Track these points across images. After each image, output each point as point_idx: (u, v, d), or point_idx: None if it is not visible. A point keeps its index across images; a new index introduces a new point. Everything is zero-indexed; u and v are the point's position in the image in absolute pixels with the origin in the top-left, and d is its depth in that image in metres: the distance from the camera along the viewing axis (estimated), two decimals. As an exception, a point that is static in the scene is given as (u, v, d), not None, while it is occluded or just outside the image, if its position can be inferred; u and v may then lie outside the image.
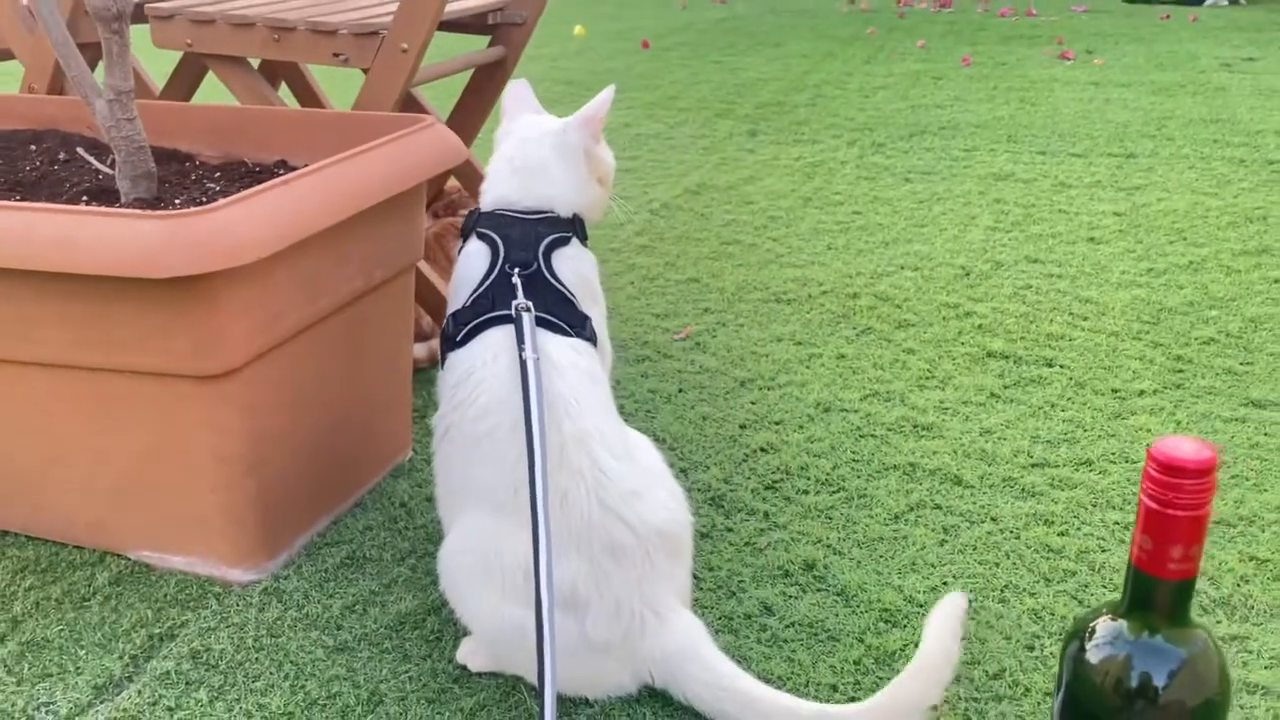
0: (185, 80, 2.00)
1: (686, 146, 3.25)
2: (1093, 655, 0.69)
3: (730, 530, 1.34)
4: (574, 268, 1.17)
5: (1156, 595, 0.66)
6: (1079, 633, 0.71)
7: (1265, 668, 1.08)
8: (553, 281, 1.13)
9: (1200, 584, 1.21)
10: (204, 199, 1.38)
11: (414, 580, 1.25)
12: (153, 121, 1.56)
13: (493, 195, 1.22)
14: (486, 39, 2.01)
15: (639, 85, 4.17)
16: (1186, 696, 0.67)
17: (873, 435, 1.56)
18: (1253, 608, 1.17)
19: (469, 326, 1.09)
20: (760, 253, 2.33)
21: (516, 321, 1.06)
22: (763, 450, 1.53)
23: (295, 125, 1.53)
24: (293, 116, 1.54)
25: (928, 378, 1.73)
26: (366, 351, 1.39)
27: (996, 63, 4.41)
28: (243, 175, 1.49)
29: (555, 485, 1.02)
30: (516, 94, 1.29)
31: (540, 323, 1.09)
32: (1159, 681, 0.67)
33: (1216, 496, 1.37)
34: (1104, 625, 0.69)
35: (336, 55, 1.65)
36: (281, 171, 1.50)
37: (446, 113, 2.03)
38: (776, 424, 1.60)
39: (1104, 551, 1.28)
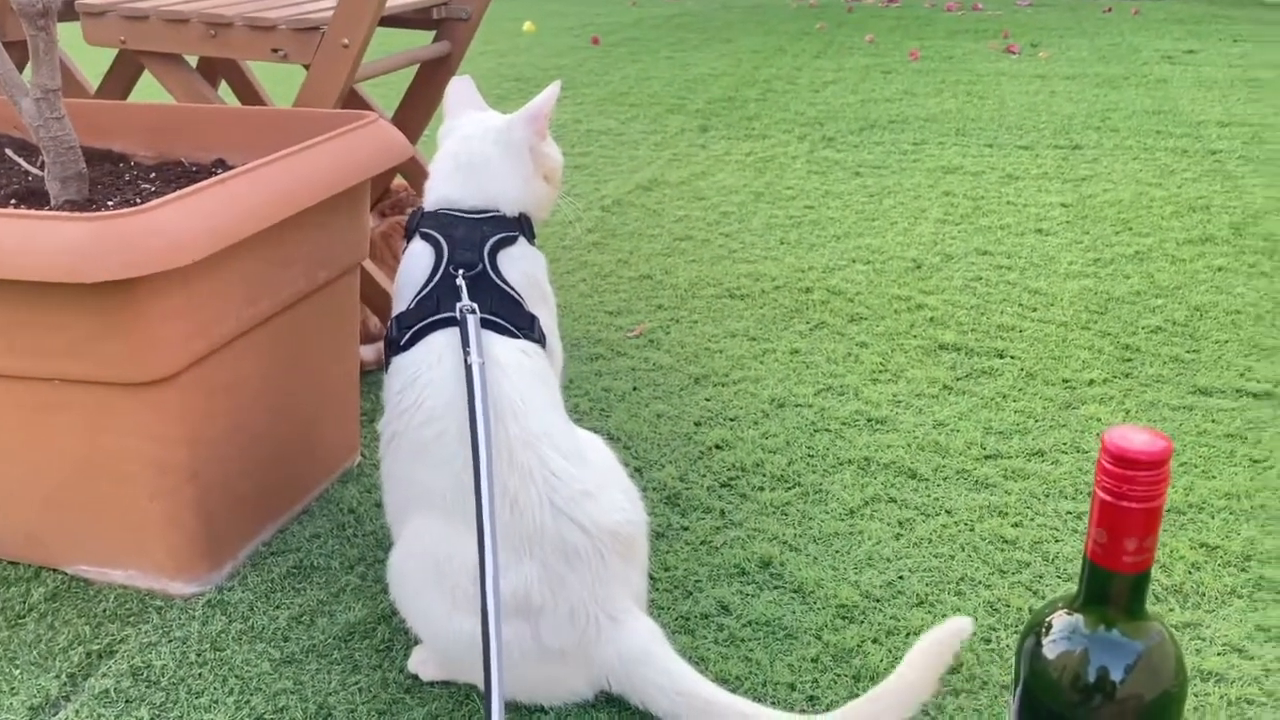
0: (121, 79, 1.95)
1: (638, 142, 3.23)
2: (1049, 650, 0.69)
3: (686, 529, 1.33)
4: (521, 268, 1.15)
5: (1112, 588, 0.66)
6: (1035, 627, 0.70)
7: (1218, 654, 1.09)
8: (498, 282, 1.11)
9: (1152, 572, 1.22)
10: (137, 200, 1.33)
11: (363, 589, 1.22)
12: (85, 121, 1.51)
13: (436, 194, 1.19)
14: (431, 34, 1.98)
15: (589, 81, 4.15)
16: (1144, 690, 0.67)
17: (827, 430, 1.55)
18: (1204, 595, 1.18)
19: (413, 330, 1.06)
20: (713, 248, 2.32)
21: (461, 324, 1.04)
22: (718, 447, 1.52)
23: (233, 123, 1.49)
24: (231, 115, 1.50)
25: (881, 371, 1.73)
26: (311, 354, 1.35)
27: (944, 57, 4.45)
28: (179, 176, 1.44)
29: (504, 489, 1.00)
30: (459, 91, 1.26)
31: (486, 324, 1.07)
32: (1116, 676, 0.66)
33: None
34: (1060, 620, 0.69)
35: (275, 51, 1.61)
36: (219, 171, 1.46)
37: (391, 110, 2.00)
38: (731, 420, 1.59)
39: (1057, 542, 1.28)
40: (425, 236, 1.13)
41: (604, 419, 1.62)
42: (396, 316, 1.09)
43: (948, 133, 3.22)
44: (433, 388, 1.03)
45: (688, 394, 1.68)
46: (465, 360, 1.01)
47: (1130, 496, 0.63)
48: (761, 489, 1.41)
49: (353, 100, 1.88)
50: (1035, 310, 1.94)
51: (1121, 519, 0.64)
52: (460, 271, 1.09)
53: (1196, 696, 1.04)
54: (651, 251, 2.31)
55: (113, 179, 1.44)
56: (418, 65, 1.94)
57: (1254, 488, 1.38)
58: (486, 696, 0.86)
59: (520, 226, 1.18)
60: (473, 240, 1.12)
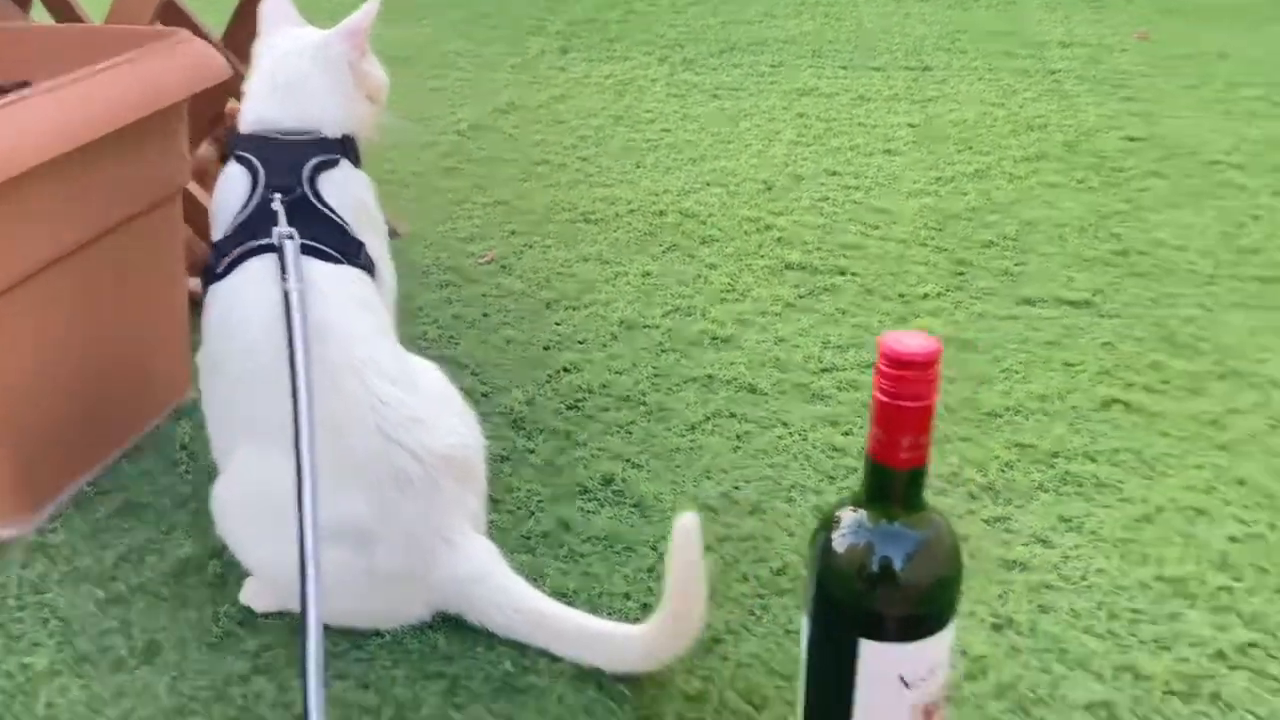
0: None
1: (496, 65, 3.16)
2: (838, 544, 0.72)
3: (531, 451, 1.34)
4: (346, 191, 1.12)
5: (892, 484, 0.70)
6: (826, 524, 0.74)
7: (1023, 545, 1.17)
8: (320, 207, 1.08)
9: (968, 472, 1.29)
10: (-72, 126, 1.24)
11: (196, 525, 1.20)
12: None
13: (253, 115, 1.14)
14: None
15: (448, 2, 4.01)
16: (923, 576, 0.71)
17: (674, 350, 1.58)
18: (1015, 491, 1.26)
19: (230, 258, 1.03)
20: (570, 173, 2.30)
21: (279, 251, 1.01)
22: (566, 370, 1.53)
23: (33, 43, 1.39)
24: (31, 33, 1.40)
25: (728, 291, 1.76)
26: (130, 288, 1.30)
27: (806, -22, 4.46)
28: (-23, 98, 1.35)
29: (329, 417, 0.98)
30: (275, 6, 1.20)
31: (307, 251, 1.04)
32: (897, 565, 0.70)
33: (987, 389, 1.46)
34: (847, 516, 0.73)
35: (81, -36, 1.51)
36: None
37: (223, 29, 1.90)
38: (580, 344, 1.60)
39: (885, 448, 1.34)
40: (240, 159, 1.09)
41: (452, 346, 1.60)
42: (215, 244, 1.06)
43: (804, 55, 3.24)
44: (251, 317, 1.01)
45: (538, 319, 1.68)
46: (283, 287, 0.99)
47: (904, 395, 0.66)
48: (607, 409, 1.43)
49: (173, 16, 1.78)
50: (878, 229, 2.00)
51: (896, 417, 0.67)
52: (277, 196, 1.05)
53: (1002, 584, 1.11)
54: (508, 176, 2.28)
55: (-98, 104, 1.34)
56: (246, -19, 1.84)
57: (1066, 389, 1.47)
58: (302, 630, 0.85)
59: (343, 149, 1.15)
60: (291, 163, 1.09)
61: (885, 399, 0.67)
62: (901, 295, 1.74)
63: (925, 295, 1.74)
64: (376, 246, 1.15)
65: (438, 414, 1.05)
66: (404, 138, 2.39)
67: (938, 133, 2.53)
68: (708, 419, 1.41)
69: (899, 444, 0.68)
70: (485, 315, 1.70)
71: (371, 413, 1.00)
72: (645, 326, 1.65)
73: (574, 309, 1.71)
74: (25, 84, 1.40)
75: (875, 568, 0.71)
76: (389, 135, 1.29)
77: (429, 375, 1.11)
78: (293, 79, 1.14)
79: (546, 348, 1.59)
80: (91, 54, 1.35)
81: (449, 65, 3.16)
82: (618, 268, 1.85)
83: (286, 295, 0.98)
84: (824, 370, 1.52)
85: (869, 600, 0.71)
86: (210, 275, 1.04)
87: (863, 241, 1.94)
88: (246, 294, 1.02)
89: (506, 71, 3.09)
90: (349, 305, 1.05)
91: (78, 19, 1.98)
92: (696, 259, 1.88)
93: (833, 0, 3.99)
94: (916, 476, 0.70)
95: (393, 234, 2.07)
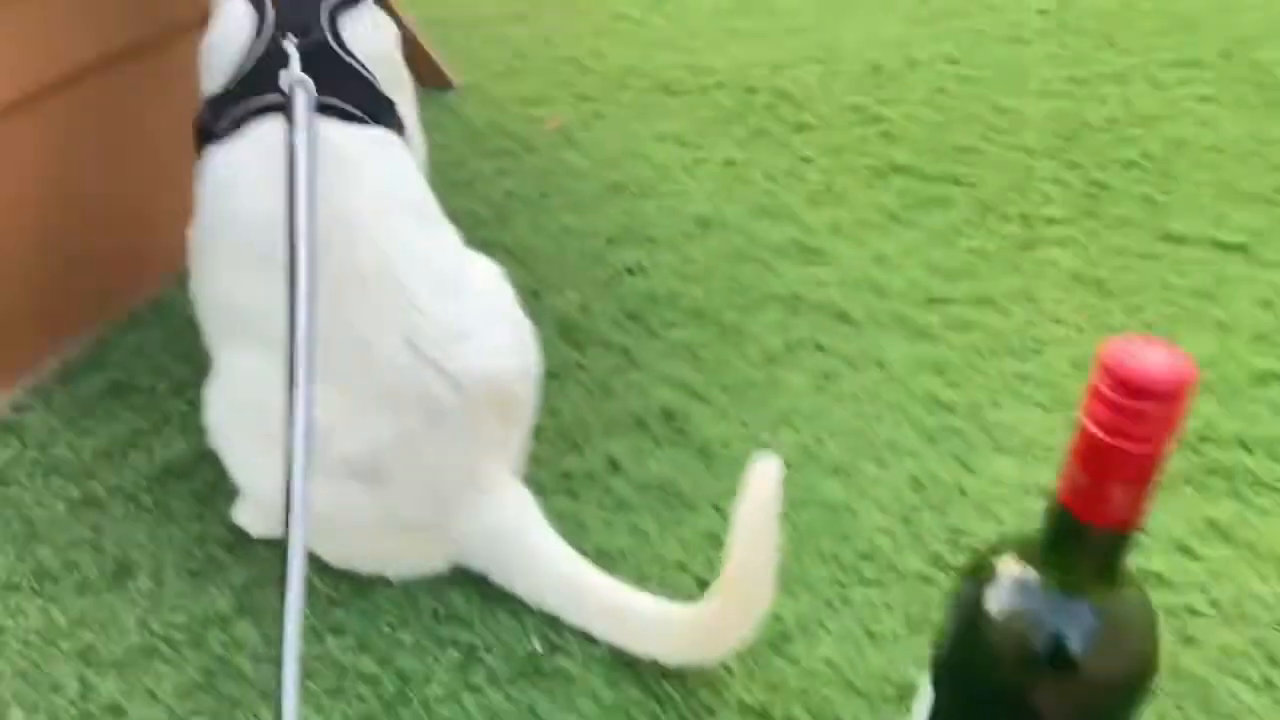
0: None
1: (579, -101, 2.83)
2: (992, 604, 0.53)
3: (581, 368, 1.16)
4: (372, 37, 0.90)
5: (1085, 545, 0.50)
6: (977, 573, 0.55)
7: (1161, 553, 0.98)
8: (343, 55, 0.86)
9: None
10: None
11: (190, 418, 1.03)
12: None
13: None
14: None
15: None
16: (1109, 671, 0.52)
17: (756, 259, 1.36)
18: (1149, 477, 1.06)
19: (232, 116, 0.83)
20: (651, 31, 2.03)
21: (288, 103, 0.80)
22: (629, 272, 1.32)
23: None
24: None
25: (823, 192, 1.53)
26: (138, 131, 1.10)
27: None
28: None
29: (352, 324, 0.80)
30: None
31: (327, 110, 0.83)
32: (1077, 652, 0.51)
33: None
34: (1009, 570, 0.53)
35: None
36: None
37: None
38: (649, 240, 1.39)
39: (996, 407, 1.14)
40: None
41: (501, 229, 1.40)
42: (210, 99, 0.85)
43: (926, -83, 2.87)
44: (258, 190, 0.81)
45: (603, 205, 1.47)
46: (289, 141, 0.78)
47: (1132, 434, 0.46)
48: (673, 325, 1.23)
49: None
50: (1000, 132, 1.73)
51: (1113, 462, 0.47)
52: (290, 37, 0.84)
53: (1130, 598, 0.92)
54: (582, 29, 2.02)
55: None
56: None
57: (1216, 355, 1.24)
58: (287, 584, 0.69)
59: None
60: (308, 1, 0.87)
61: (1101, 434, 0.46)
62: (1024, 216, 1.50)
63: (1051, 219, 1.49)
64: (405, 108, 0.94)
65: (487, 327, 0.86)
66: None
67: (1074, 23, 2.21)
68: (789, 349, 1.20)
69: (1108, 496, 0.48)
70: (543, 195, 1.48)
71: (404, 323, 0.81)
72: (724, 226, 1.43)
73: (644, 197, 1.49)
74: None
75: (1045, 650, 0.52)
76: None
77: (483, 274, 0.91)
78: None
79: (610, 241, 1.39)
80: None
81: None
82: (698, 152, 1.62)
83: (292, 150, 0.77)
84: (930, 301, 1.30)
85: (1028, 690, 0.52)
86: (206, 135, 0.84)
87: (982, 145, 1.68)
88: (250, 161, 0.82)
89: (590, -93, 2.76)
90: (384, 180, 0.85)
91: None
92: (789, 149, 1.64)
93: None
94: (1123, 542, 0.50)
95: (444, 85, 1.85)
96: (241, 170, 0.82)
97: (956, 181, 1.58)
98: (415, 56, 1.71)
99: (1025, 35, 2.13)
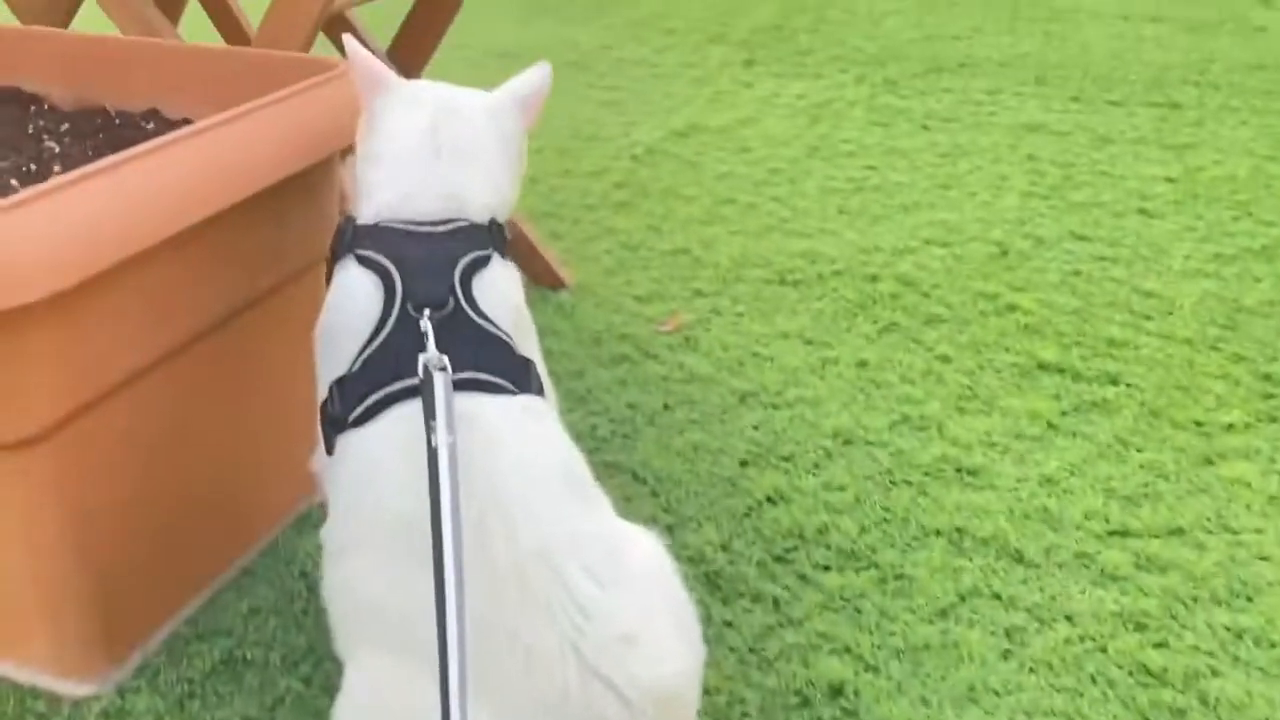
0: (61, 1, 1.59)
1: (674, 76, 2.86)
2: None
3: (730, 626, 1.04)
4: (502, 294, 0.84)
5: None
6: None
7: None
8: (478, 320, 0.79)
9: None
10: (32, 166, 1.02)
11: (306, 701, 0.94)
12: (-15, 49, 1.19)
13: (386, 195, 0.86)
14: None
15: (621, 1, 3.74)
16: None
17: (907, 482, 1.24)
18: None
19: (367, 402, 0.75)
20: (761, 216, 1.98)
21: (424, 388, 0.72)
22: (769, 501, 1.21)
23: (170, 63, 1.16)
24: (167, 52, 1.17)
25: (968, 397, 1.41)
26: (256, 376, 1.05)
27: (1015, -12, 4.00)
28: (99, 129, 1.12)
29: (505, 631, 0.70)
30: (363, 53, 0.91)
31: (468, 385, 0.76)
32: None
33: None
34: None
35: (232, -33, 1.27)
36: (150, 124, 1.14)
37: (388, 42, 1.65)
38: (785, 460, 1.29)
39: (1216, 676, 0.98)
40: (366, 262, 0.81)
41: (628, 449, 1.31)
42: (338, 381, 0.78)
43: (1025, 81, 2.83)
44: (401, 484, 0.73)
45: (731, 418, 1.37)
46: (429, 439, 0.70)
47: None
48: (827, 568, 1.11)
49: (339, 26, 1.54)
50: (1150, 319, 1.61)
51: None
52: (426, 312, 0.77)
53: None
54: (689, 217, 1.98)
55: (13, 129, 1.12)
56: (417, -13, 1.59)
57: None
58: None
59: (492, 238, 0.86)
60: (437, 263, 0.81)
61: None
62: (1198, 423, 1.36)
63: (1230, 426, 1.35)
64: (535, 356, 0.87)
65: (653, 624, 0.75)
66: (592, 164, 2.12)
67: (1204, 191, 2.11)
68: (962, 599, 1.07)
69: None
70: (667, 407, 1.40)
71: (567, 629, 0.70)
72: (867, 442, 1.32)
73: (774, 407, 1.39)
74: (154, 112, 1.17)
75: None
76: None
77: (643, 552, 0.81)
78: (463, 148, 0.86)
79: (744, 463, 1.28)
80: (232, 81, 1.11)
81: (621, 74, 2.88)
82: (825, 351, 1.53)
83: (433, 453, 0.69)
84: (1112, 534, 1.16)
85: None
86: (337, 423, 0.77)
87: (1133, 338, 1.56)
88: (388, 455, 0.74)
89: (685, 85, 2.78)
90: (536, 455, 0.76)
91: (239, 28, 1.76)
92: (922, 345, 1.54)
93: (1051, 16, 3.54)
94: None
95: (557, 284, 1.81)
96: (380, 465, 0.74)
97: (1113, 380, 1.45)
98: (527, 255, 1.67)
99: (1154, 207, 2.03)
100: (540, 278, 1.69)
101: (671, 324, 1.60)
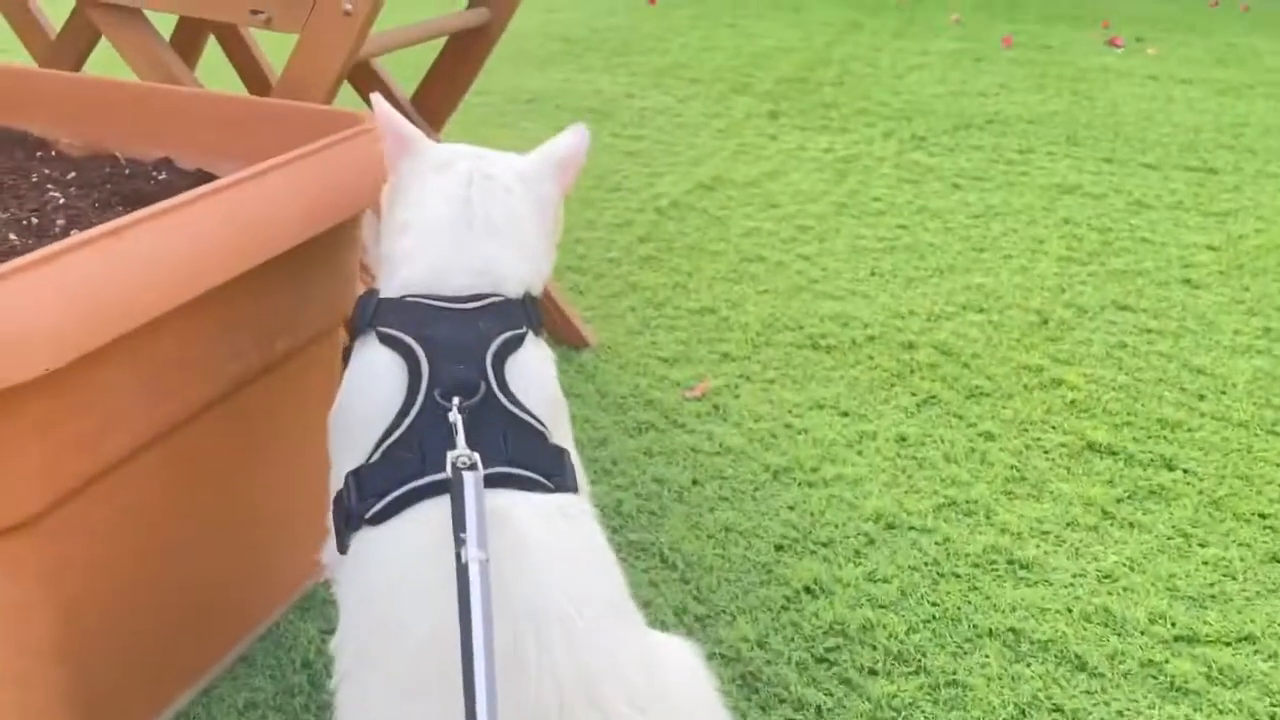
0: (75, 39, 1.55)
1: (698, 127, 2.81)
2: None
3: (770, 737, 0.95)
4: (537, 378, 0.76)
5: None
6: None
7: None
8: (512, 408, 0.72)
9: None
10: (34, 218, 0.95)
11: (307, 818, 0.85)
12: (-8, 90, 1.13)
13: (413, 270, 0.78)
14: (466, -4, 1.57)
15: (644, 48, 3.71)
16: None
17: (955, 574, 1.16)
18: None
19: (387, 499, 0.67)
20: (789, 275, 1.91)
21: (453, 493, 0.64)
22: (808, 591, 1.13)
23: (185, 110, 1.10)
24: (182, 98, 1.11)
25: (1017, 480, 1.33)
26: (262, 449, 0.97)
27: (1040, 45, 3.97)
28: (107, 178, 1.06)
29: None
30: (391, 113, 0.84)
31: (501, 480, 0.68)
32: None
33: None
34: None
35: (256, 13, 1.21)
36: (161, 174, 1.07)
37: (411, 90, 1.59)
38: (823, 546, 1.20)
39: (1307, 810, 0.89)
40: (390, 340, 0.74)
41: (654, 528, 1.23)
42: (356, 472, 0.70)
43: (1057, 140, 2.78)
44: (421, 600, 0.65)
45: (764, 496, 1.29)
46: (458, 553, 0.62)
47: None
48: (873, 671, 1.03)
49: (363, 75, 1.48)
50: (1203, 399, 1.53)
51: None
52: (456, 400, 0.69)
53: None
54: (715, 274, 1.91)
55: (16, 177, 1.06)
56: (445, 38, 1.53)
57: None
58: None
59: (527, 314, 0.79)
60: (466, 344, 0.74)
61: None
62: (1262, 516, 1.28)
63: (1297, 520, 1.27)
64: (567, 441, 0.79)
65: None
66: (614, 217, 2.05)
67: (1248, 261, 2.04)
68: (1023, 713, 0.98)
69: None
70: (695, 482, 1.32)
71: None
72: (911, 528, 1.24)
73: (810, 485, 1.31)
74: (167, 161, 1.11)
75: None
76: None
77: (679, 667, 0.73)
78: (496, 219, 0.79)
79: (779, 548, 1.20)
80: (250, 132, 1.04)
81: (645, 123, 2.83)
82: (862, 424, 1.45)
83: (462, 570, 0.61)
84: (1179, 639, 1.08)
85: None
86: (352, 520, 0.69)
87: (1187, 419, 1.48)
88: (412, 563, 0.66)
89: (709, 135, 2.73)
90: (576, 566, 0.68)
91: (258, 70, 1.71)
92: (965, 421, 1.46)
93: (1079, 74, 3.50)
94: None
95: (580, 344, 1.74)
96: (401, 574, 0.66)
97: (1169, 465, 1.37)
98: (549, 312, 1.60)
99: (1198, 277, 1.96)
100: (563, 336, 1.62)
101: (699, 390, 1.53)
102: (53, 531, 0.75)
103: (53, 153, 1.13)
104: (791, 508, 1.27)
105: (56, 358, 0.66)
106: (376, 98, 0.84)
